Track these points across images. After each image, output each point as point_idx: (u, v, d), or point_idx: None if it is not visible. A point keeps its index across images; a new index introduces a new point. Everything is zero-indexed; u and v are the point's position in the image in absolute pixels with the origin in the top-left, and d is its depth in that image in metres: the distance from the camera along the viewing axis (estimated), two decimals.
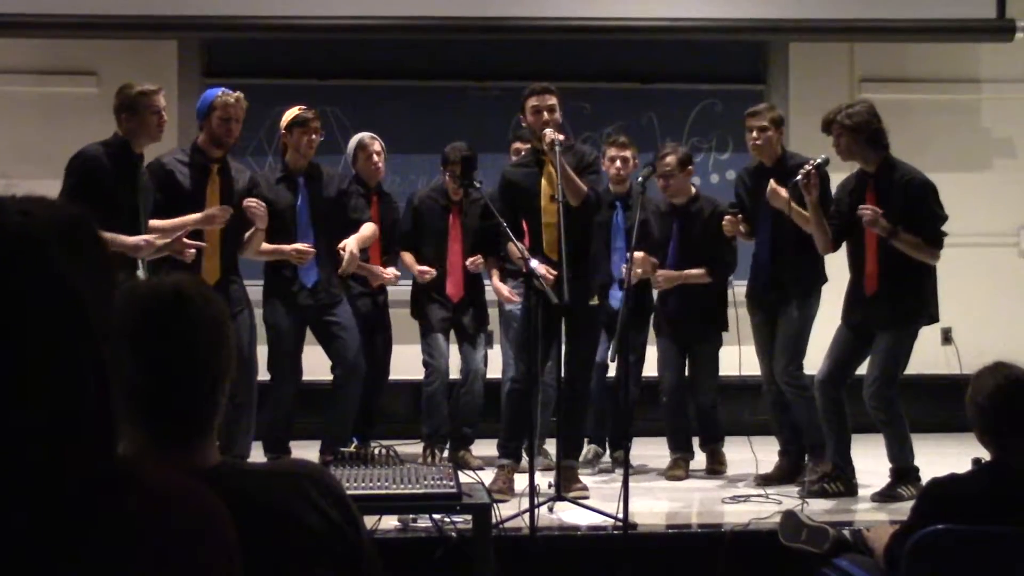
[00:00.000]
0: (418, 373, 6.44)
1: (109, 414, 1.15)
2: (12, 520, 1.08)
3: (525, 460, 5.21)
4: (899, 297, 5.40)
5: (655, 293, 6.37)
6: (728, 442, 6.30)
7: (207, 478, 1.50)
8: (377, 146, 6.42)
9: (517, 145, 6.33)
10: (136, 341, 1.58)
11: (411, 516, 4.47)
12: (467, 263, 6.26)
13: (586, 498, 5.21)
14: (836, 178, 5.75)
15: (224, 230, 5.42)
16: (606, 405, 6.31)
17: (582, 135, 7.55)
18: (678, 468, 6.10)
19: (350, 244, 5.81)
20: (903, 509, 4.38)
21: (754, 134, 5.83)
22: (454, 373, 6.45)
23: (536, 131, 5.43)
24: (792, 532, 4.19)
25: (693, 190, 6.32)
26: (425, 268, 6.31)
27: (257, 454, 5.72)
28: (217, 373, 1.65)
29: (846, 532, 4.03)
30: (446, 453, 6.30)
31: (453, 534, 4.38)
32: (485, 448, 6.12)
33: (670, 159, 6.15)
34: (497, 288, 6.14)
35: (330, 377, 5.94)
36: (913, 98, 7.94)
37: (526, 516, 4.54)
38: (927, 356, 6.92)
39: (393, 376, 6.60)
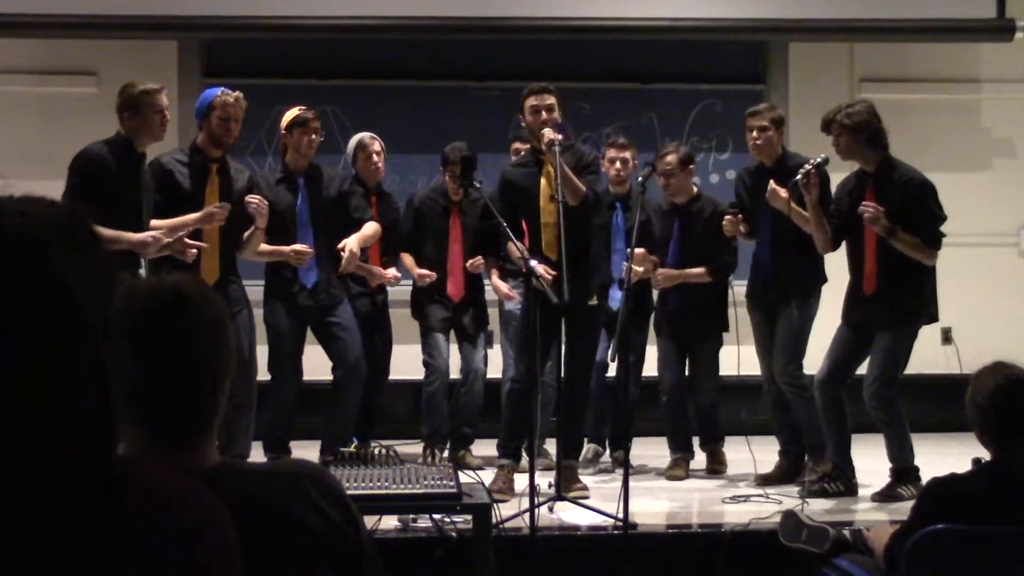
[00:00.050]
0: (418, 373, 6.44)
1: (109, 414, 1.15)
2: (11, 520, 1.08)
3: (525, 460, 5.21)
4: (898, 297, 5.40)
5: (655, 293, 6.37)
6: (727, 442, 6.29)
7: (207, 478, 1.50)
8: (377, 146, 6.41)
9: (517, 145, 6.33)
10: (136, 341, 1.58)
11: (411, 516, 4.47)
12: (467, 265, 6.26)
13: (586, 498, 5.21)
14: (836, 178, 5.75)
15: (223, 230, 5.42)
16: (606, 405, 6.31)
17: (582, 135, 7.55)
18: (678, 468, 6.10)
19: (350, 243, 5.81)
20: (903, 509, 4.38)
21: (754, 134, 5.83)
22: (454, 373, 6.45)
23: (535, 131, 5.44)
24: (792, 532, 4.19)
25: (695, 189, 6.32)
26: (425, 272, 6.30)
27: (257, 454, 5.72)
28: (217, 373, 1.65)
29: (846, 532, 4.02)
30: (446, 453, 6.30)
31: (453, 534, 4.38)
32: (485, 448, 6.12)
33: (671, 158, 6.15)
34: (496, 286, 6.15)
35: (330, 377, 5.94)
36: (913, 98, 7.94)
37: (526, 516, 4.54)
38: (927, 356, 6.92)
39: (393, 376, 6.59)
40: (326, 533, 1.64)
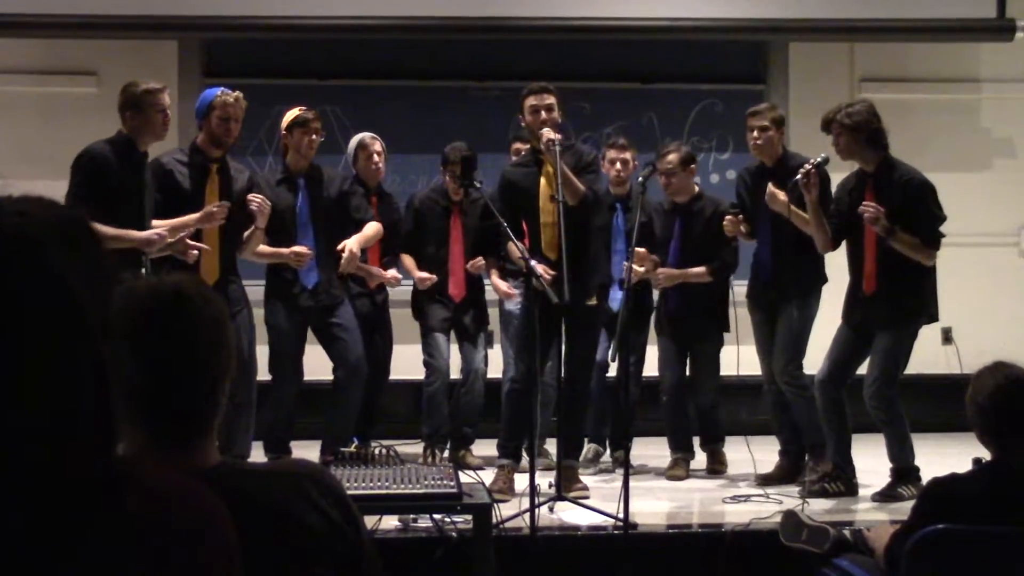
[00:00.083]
0: (418, 373, 6.44)
1: (109, 414, 1.15)
2: (11, 520, 1.08)
3: (525, 460, 5.21)
4: (898, 297, 5.40)
5: (655, 293, 6.37)
6: (727, 442, 6.29)
7: (207, 478, 1.50)
8: (378, 146, 6.41)
9: (517, 145, 6.33)
10: (136, 341, 1.58)
11: (411, 516, 4.47)
12: (468, 266, 6.27)
13: (586, 498, 5.21)
14: (836, 178, 5.75)
15: (223, 230, 5.41)
16: (606, 405, 6.31)
17: (582, 135, 7.55)
18: (678, 468, 6.10)
19: (350, 244, 5.81)
20: (903, 509, 4.37)
21: (755, 134, 5.83)
22: (455, 373, 6.45)
23: (534, 131, 5.44)
24: (793, 532, 4.18)
25: (696, 189, 6.32)
26: (425, 275, 6.30)
27: (258, 454, 5.72)
28: (217, 373, 1.65)
29: (846, 532, 4.02)
30: (446, 453, 6.30)
31: (453, 534, 4.38)
32: (485, 448, 6.12)
33: (672, 157, 6.15)
34: (496, 284, 6.15)
35: (331, 377, 5.94)
36: (913, 98, 7.94)
37: (526, 516, 4.54)
38: (927, 356, 6.91)
39: (393, 376, 6.59)
40: (326, 533, 1.64)
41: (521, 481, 5.19)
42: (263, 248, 5.76)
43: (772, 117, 5.85)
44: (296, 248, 5.79)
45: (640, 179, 5.47)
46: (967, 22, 7.58)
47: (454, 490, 3.80)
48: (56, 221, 1.18)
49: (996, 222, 8.01)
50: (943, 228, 5.42)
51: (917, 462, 5.41)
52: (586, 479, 5.59)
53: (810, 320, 5.81)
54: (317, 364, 6.05)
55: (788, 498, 5.28)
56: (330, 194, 5.98)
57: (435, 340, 6.34)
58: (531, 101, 5.45)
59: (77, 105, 7.39)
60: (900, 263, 5.37)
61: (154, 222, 5.19)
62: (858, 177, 5.57)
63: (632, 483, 4.77)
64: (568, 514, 4.99)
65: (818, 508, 5.05)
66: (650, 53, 7.91)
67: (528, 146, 5.81)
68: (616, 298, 5.99)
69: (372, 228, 6.02)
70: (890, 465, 5.43)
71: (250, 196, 5.49)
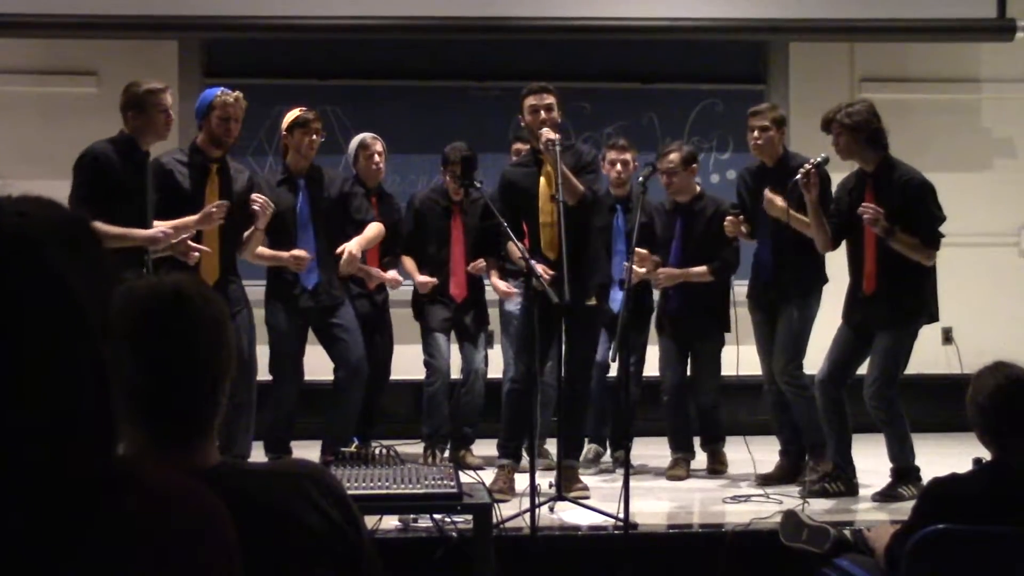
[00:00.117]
0: (419, 373, 6.44)
1: (109, 414, 1.15)
2: (11, 520, 1.08)
3: (525, 460, 5.21)
4: (898, 297, 5.40)
5: (656, 293, 6.37)
6: (727, 442, 6.29)
7: (207, 478, 1.50)
8: (379, 146, 6.41)
9: (518, 146, 6.33)
10: (136, 341, 1.58)
11: (412, 516, 4.47)
12: (469, 268, 6.27)
13: (587, 498, 5.21)
14: (836, 177, 5.75)
15: (223, 230, 5.41)
16: (607, 405, 6.31)
17: (582, 135, 7.55)
18: (679, 468, 6.10)
19: (350, 246, 5.80)
20: (904, 509, 4.38)
21: (755, 134, 5.83)
22: (455, 373, 6.45)
23: (534, 130, 5.44)
24: (793, 532, 4.18)
25: (697, 188, 6.32)
26: (425, 280, 6.30)
27: (258, 454, 5.72)
28: (217, 373, 1.65)
29: (847, 532, 4.03)
30: (447, 453, 6.30)
31: (454, 534, 4.38)
32: (485, 448, 6.12)
33: (674, 156, 6.15)
34: (495, 285, 6.15)
35: (332, 377, 5.94)
36: (913, 98, 7.95)
37: (527, 516, 4.54)
38: (927, 356, 6.92)
39: (394, 376, 6.59)
40: (326, 533, 1.64)
41: (521, 481, 5.19)
42: (263, 250, 5.76)
43: (773, 117, 5.85)
44: (295, 252, 5.79)
45: (640, 179, 5.47)
46: (967, 22, 7.58)
47: (454, 490, 3.80)
48: (56, 221, 1.18)
49: (996, 222, 8.01)
50: (943, 228, 5.42)
51: (917, 462, 5.41)
52: (586, 479, 5.58)
53: (810, 320, 5.81)
54: (318, 364, 6.05)
55: (788, 498, 5.28)
56: (330, 195, 5.98)
57: (435, 340, 6.34)
58: (530, 101, 5.45)
59: (77, 105, 7.40)
60: (900, 263, 5.37)
61: (155, 223, 5.19)
62: (858, 177, 5.57)
63: (632, 483, 4.77)
64: (568, 514, 4.99)
65: (818, 508, 5.05)
66: (650, 53, 7.91)
67: (529, 146, 5.81)
68: (617, 299, 5.99)
69: (374, 229, 6.01)
70: (890, 465, 5.43)
71: (253, 196, 5.49)
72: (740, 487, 5.76)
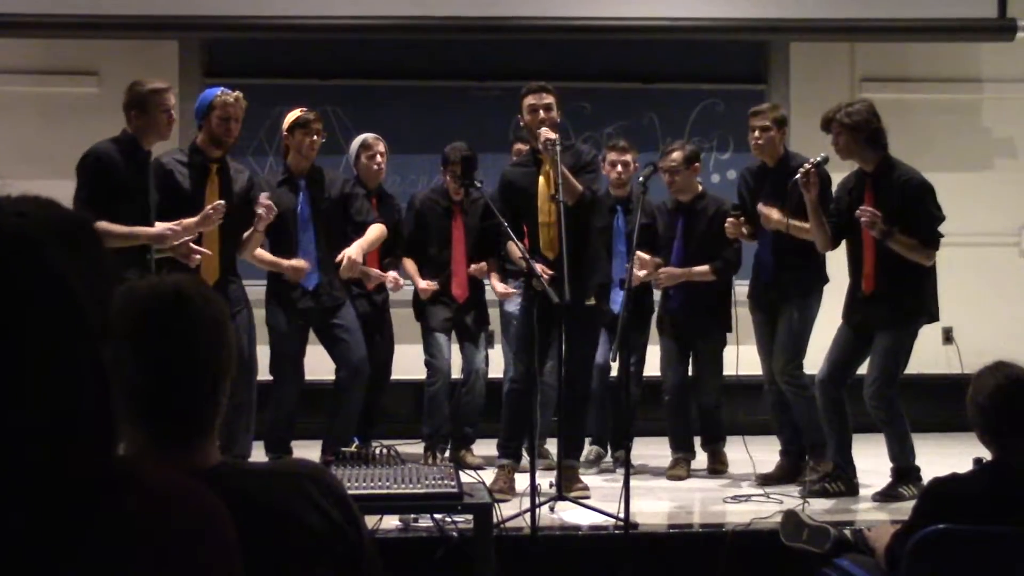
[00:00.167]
0: (419, 373, 6.44)
1: (109, 414, 1.15)
2: (11, 520, 1.08)
3: (526, 460, 5.21)
4: (898, 297, 5.40)
5: (657, 294, 6.37)
6: (727, 442, 6.29)
7: (207, 478, 1.50)
8: (381, 147, 6.40)
9: (519, 146, 6.33)
10: (136, 341, 1.58)
11: (412, 516, 4.47)
12: (470, 270, 6.27)
13: (587, 498, 5.21)
14: (836, 177, 5.75)
15: (223, 230, 5.40)
16: (608, 405, 6.30)
17: (582, 135, 7.55)
18: (679, 468, 6.10)
19: (350, 251, 5.80)
20: (904, 509, 4.38)
21: (756, 134, 5.83)
22: (456, 373, 6.45)
23: (533, 130, 5.43)
24: (793, 532, 4.18)
25: (699, 188, 6.32)
26: (427, 285, 6.29)
27: (259, 454, 5.72)
28: (217, 373, 1.65)
29: (847, 532, 4.02)
30: (447, 453, 6.30)
31: (454, 534, 4.38)
32: (485, 448, 6.12)
33: (676, 155, 6.15)
34: (494, 285, 6.15)
35: (332, 377, 5.94)
36: (913, 98, 7.94)
37: (527, 516, 4.54)
38: (927, 356, 6.91)
39: (394, 376, 6.59)
40: (327, 533, 1.64)
41: (522, 481, 5.19)
42: (263, 255, 5.77)
43: (773, 117, 5.85)
44: (294, 262, 5.79)
45: (641, 179, 5.47)
46: (967, 22, 7.57)
47: (455, 490, 3.80)
48: (56, 221, 1.18)
49: (996, 222, 8.01)
50: (943, 228, 5.42)
51: (917, 462, 5.41)
52: (587, 479, 5.58)
53: (810, 320, 5.81)
54: (318, 364, 6.05)
55: (788, 498, 5.28)
56: (331, 196, 5.98)
57: (436, 340, 6.34)
58: (530, 100, 5.45)
59: (77, 105, 7.39)
60: (900, 263, 5.37)
61: (156, 224, 5.19)
62: (858, 177, 5.57)
63: (633, 483, 4.77)
64: (569, 514, 4.99)
65: (818, 508, 5.05)
66: (650, 53, 7.91)
67: (528, 146, 5.80)
68: (617, 299, 5.99)
69: (375, 231, 6.01)
70: (890, 465, 5.43)
71: (260, 199, 5.49)
72: (740, 487, 5.76)
